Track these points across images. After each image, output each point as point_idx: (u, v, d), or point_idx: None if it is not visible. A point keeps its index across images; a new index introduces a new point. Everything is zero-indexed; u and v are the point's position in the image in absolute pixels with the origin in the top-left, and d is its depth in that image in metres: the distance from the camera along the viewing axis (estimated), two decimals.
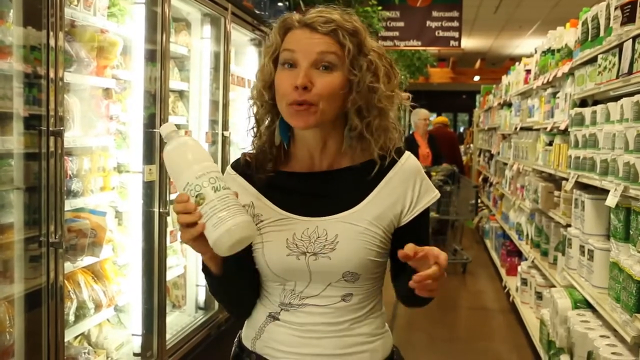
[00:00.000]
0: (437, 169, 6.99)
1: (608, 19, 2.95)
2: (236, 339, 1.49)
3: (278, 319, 1.37)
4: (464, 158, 11.74)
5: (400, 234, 1.38)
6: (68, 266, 2.39)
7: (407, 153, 1.41)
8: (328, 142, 1.38)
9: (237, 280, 1.37)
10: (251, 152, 1.44)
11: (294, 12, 1.35)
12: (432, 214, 6.41)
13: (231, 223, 1.16)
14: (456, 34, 8.13)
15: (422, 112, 7.46)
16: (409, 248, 1.18)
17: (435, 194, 1.40)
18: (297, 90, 1.27)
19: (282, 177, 1.40)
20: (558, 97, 4.11)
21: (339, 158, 1.39)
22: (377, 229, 1.33)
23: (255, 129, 1.41)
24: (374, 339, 1.39)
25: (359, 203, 1.35)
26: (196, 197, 1.16)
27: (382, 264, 1.38)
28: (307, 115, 1.28)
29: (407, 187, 1.37)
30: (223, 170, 1.42)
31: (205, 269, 1.34)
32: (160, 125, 2.81)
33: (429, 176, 7.22)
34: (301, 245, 1.32)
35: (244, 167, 1.42)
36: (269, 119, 1.39)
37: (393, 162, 1.38)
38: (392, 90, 1.35)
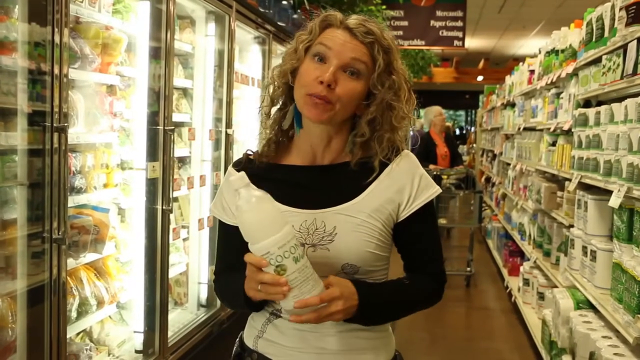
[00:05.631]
0: (449, 172, 6.55)
1: (613, 19, 2.94)
2: (237, 339, 1.50)
3: (280, 316, 1.38)
4: (467, 158, 11.72)
5: (402, 230, 1.40)
6: (71, 262, 2.40)
7: (406, 150, 1.44)
8: (332, 140, 1.41)
9: None
10: (252, 150, 1.48)
11: (336, 11, 1.39)
12: (440, 221, 6.25)
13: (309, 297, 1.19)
14: (460, 34, 8.13)
15: (436, 109, 7.16)
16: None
17: (435, 190, 1.42)
18: (321, 85, 1.31)
19: (283, 170, 1.43)
20: (562, 98, 4.11)
21: (341, 155, 1.42)
22: (375, 221, 1.35)
23: (266, 108, 1.44)
24: (377, 337, 1.40)
25: (358, 196, 1.37)
26: (277, 266, 1.17)
27: (382, 258, 1.39)
28: (323, 110, 1.32)
29: (405, 182, 1.39)
30: (226, 168, 1.43)
31: (247, 302, 1.32)
32: (164, 122, 2.84)
33: (440, 180, 6.94)
34: (299, 236, 1.33)
35: (245, 164, 1.45)
36: (282, 101, 1.43)
37: (392, 157, 1.41)
38: (409, 112, 1.40)
